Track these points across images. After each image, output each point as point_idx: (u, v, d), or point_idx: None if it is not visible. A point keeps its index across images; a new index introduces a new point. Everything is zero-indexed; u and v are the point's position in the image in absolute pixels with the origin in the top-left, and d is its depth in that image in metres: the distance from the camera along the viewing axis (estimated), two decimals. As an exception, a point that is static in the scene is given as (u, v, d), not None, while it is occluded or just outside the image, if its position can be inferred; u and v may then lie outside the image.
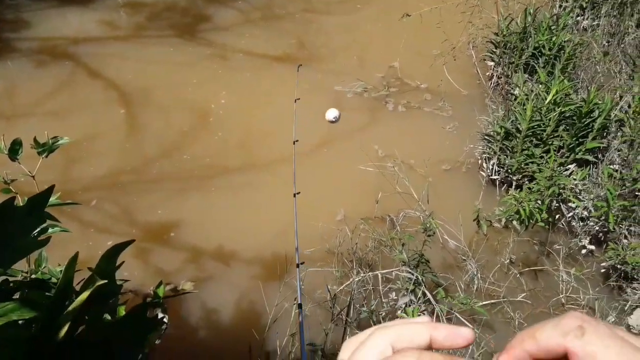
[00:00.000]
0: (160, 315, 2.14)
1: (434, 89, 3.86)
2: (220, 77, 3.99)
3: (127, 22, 4.56)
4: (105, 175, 3.24)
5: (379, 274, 2.55)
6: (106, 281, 0.55)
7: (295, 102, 2.45)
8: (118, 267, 0.72)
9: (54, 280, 1.59)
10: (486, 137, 3.15)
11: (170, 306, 2.55)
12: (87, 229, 2.93)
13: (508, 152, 3.02)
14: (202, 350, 2.45)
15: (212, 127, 3.59)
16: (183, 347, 2.43)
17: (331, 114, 2.47)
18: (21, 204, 0.88)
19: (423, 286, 2.38)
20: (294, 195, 1.99)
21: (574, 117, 2.83)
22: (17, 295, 1.05)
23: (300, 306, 1.60)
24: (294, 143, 2.24)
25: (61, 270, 1.72)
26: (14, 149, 1.46)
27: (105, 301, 0.62)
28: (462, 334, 0.37)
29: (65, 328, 0.51)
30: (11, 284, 1.15)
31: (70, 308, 0.54)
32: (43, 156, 1.52)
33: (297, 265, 1.78)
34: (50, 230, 1.54)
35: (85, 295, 0.55)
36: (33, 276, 1.52)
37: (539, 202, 2.69)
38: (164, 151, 3.41)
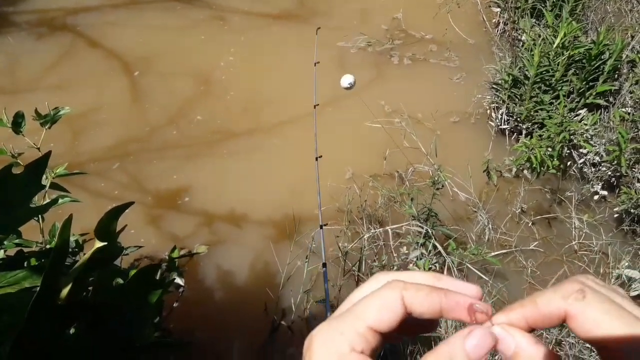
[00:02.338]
0: (176, 279, 2.19)
1: (439, 40, 3.76)
2: (222, 39, 3.93)
3: (123, -12, 4.48)
4: (113, 145, 3.25)
5: (389, 230, 2.56)
6: (105, 243, 0.55)
7: (315, 65, 2.39)
8: (121, 230, 0.73)
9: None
10: (494, 86, 3.09)
11: (187, 270, 2.60)
12: (99, 199, 2.96)
13: (517, 100, 2.96)
14: (219, 311, 2.51)
15: (220, 89, 3.56)
16: (201, 309, 2.48)
17: (346, 80, 2.36)
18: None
19: (433, 239, 2.39)
20: (316, 159, 1.98)
21: (584, 61, 2.75)
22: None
23: (324, 265, 1.63)
24: (314, 107, 2.19)
25: (76, 240, 1.75)
26: (17, 122, 1.46)
27: (107, 263, 0.63)
28: (467, 290, 0.35)
29: (67, 290, 0.52)
30: (25, 254, 1.17)
31: (71, 271, 0.55)
32: (46, 127, 1.52)
33: (321, 227, 1.79)
34: (60, 200, 1.56)
35: (86, 257, 0.56)
36: (47, 246, 1.55)
37: (550, 149, 2.66)
38: (171, 117, 3.40)
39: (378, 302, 0.34)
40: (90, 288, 0.67)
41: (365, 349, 0.33)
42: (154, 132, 3.33)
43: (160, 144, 3.26)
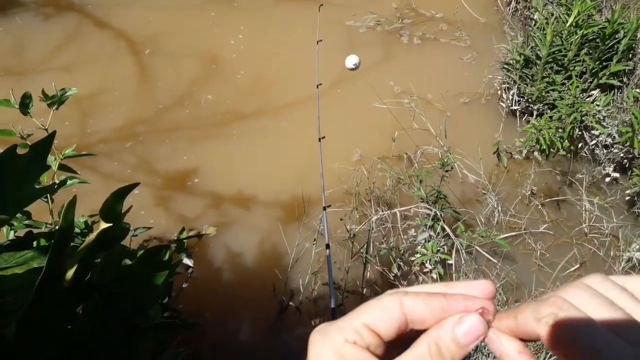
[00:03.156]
0: (185, 260, 2.21)
1: (450, 18, 3.70)
2: (232, 17, 3.89)
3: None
4: (123, 126, 3.25)
5: (397, 212, 2.55)
6: (111, 224, 0.55)
7: (317, 43, 2.36)
8: (126, 211, 0.73)
9: (77, 230, 1.64)
10: (505, 66, 3.04)
11: (196, 251, 2.62)
12: (110, 180, 2.97)
13: (528, 80, 2.92)
14: (228, 291, 2.53)
15: (229, 68, 3.53)
16: (210, 289, 2.51)
17: (351, 61, 2.33)
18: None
19: (442, 221, 2.38)
20: (319, 140, 1.96)
21: (597, 40, 2.69)
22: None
23: (328, 246, 1.62)
24: (317, 87, 2.16)
25: (85, 221, 1.76)
26: (25, 103, 1.46)
27: (112, 245, 0.63)
28: (477, 287, 0.36)
29: (72, 272, 0.52)
30: (35, 235, 1.18)
31: (76, 252, 0.55)
32: (53, 109, 1.52)
33: (324, 208, 1.77)
34: (69, 182, 1.57)
35: (91, 238, 0.56)
36: (57, 227, 1.56)
37: (560, 130, 2.62)
38: (180, 98, 3.39)
39: (378, 304, 0.35)
40: (97, 269, 0.67)
41: (359, 342, 0.34)
42: (164, 112, 3.33)
43: (169, 124, 3.26)
